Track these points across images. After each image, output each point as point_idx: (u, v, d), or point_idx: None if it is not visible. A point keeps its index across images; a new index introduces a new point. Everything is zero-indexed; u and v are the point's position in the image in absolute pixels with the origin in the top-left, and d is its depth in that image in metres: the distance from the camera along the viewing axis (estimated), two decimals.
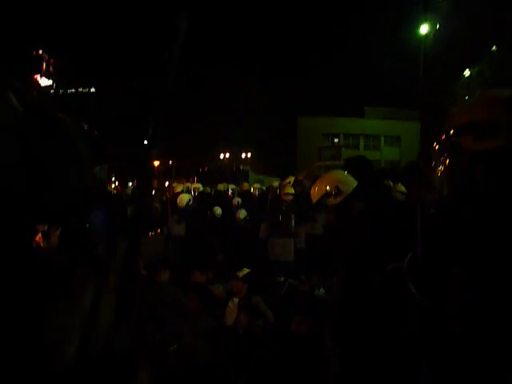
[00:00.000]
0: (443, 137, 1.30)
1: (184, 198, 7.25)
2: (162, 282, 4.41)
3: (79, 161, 0.89)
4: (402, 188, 6.04)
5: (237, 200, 8.08)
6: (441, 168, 1.30)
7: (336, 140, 36.44)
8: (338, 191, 2.53)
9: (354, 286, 2.28)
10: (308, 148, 32.23)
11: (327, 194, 2.57)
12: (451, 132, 1.28)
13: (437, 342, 1.29)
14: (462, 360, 1.15)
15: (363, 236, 2.35)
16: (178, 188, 8.01)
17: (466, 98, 1.34)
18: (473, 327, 1.13)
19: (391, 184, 6.16)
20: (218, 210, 7.34)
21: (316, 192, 2.66)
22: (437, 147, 1.33)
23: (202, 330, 3.74)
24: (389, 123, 36.05)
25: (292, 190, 7.01)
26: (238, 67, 40.48)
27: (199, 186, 8.41)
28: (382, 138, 37.76)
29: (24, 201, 0.66)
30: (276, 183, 8.22)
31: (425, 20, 2.08)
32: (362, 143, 37.21)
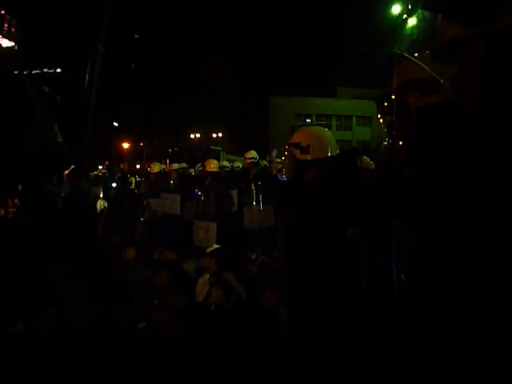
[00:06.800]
0: (390, 96, 1.32)
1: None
2: (129, 259, 4.34)
3: (38, 123, 0.83)
4: (372, 165, 6.12)
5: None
6: (389, 128, 1.33)
7: (308, 120, 36.55)
8: (307, 149, 2.46)
9: (306, 249, 2.26)
10: (280, 128, 32.22)
11: (297, 146, 2.50)
12: (398, 91, 1.31)
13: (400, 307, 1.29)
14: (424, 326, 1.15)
15: (316, 198, 2.31)
16: (156, 168, 7.81)
17: (416, 54, 1.35)
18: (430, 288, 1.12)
19: (368, 160, 6.24)
20: None
21: (291, 138, 2.59)
22: (385, 108, 1.36)
23: (172, 306, 3.70)
24: (360, 103, 36.33)
25: (215, 166, 6.85)
26: (210, 48, 39.81)
27: (184, 165, 8.13)
28: (354, 118, 38.12)
29: None
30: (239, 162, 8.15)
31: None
32: (334, 123, 37.45)
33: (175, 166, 7.67)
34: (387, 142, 1.36)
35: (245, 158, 6.75)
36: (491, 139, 0.92)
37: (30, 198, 0.82)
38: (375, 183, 2.13)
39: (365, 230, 1.92)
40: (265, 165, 7.47)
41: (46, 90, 1.01)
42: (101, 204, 6.42)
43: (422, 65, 1.25)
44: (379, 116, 1.40)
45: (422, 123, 1.25)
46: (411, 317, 1.19)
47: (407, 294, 1.26)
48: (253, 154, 6.64)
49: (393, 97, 1.31)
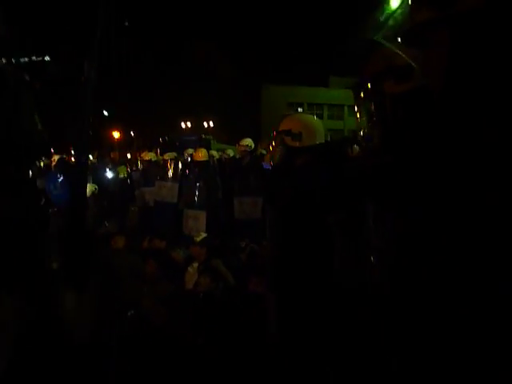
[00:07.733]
0: (366, 84, 1.34)
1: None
2: (118, 248, 4.36)
3: (19, 110, 0.84)
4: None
5: None
6: (366, 115, 1.35)
7: (300, 109, 36.39)
8: (299, 136, 2.50)
9: (292, 234, 2.31)
10: (272, 117, 32.01)
11: (288, 133, 2.53)
12: (373, 78, 1.33)
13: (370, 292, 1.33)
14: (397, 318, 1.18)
15: (305, 185, 2.36)
16: (147, 156, 7.77)
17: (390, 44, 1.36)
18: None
19: (358, 150, 6.22)
20: None
21: (281, 125, 2.62)
22: (362, 95, 1.38)
23: (160, 294, 3.75)
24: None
25: (204, 155, 6.67)
26: (203, 36, 39.35)
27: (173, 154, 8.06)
28: (346, 108, 37.98)
29: None
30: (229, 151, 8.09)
31: None
32: (325, 112, 37.39)
33: (171, 155, 7.61)
34: (363, 130, 1.39)
35: (239, 146, 6.61)
36: (456, 122, 0.93)
37: (8, 184, 0.85)
38: (357, 170, 2.18)
39: (344, 217, 1.98)
40: (260, 153, 7.31)
41: (27, 78, 1.02)
42: (91, 188, 6.27)
43: (398, 51, 1.26)
44: (356, 106, 1.43)
45: (397, 110, 1.28)
46: (385, 303, 1.22)
47: (382, 280, 1.30)
48: (248, 141, 6.46)
49: (369, 85, 1.34)
